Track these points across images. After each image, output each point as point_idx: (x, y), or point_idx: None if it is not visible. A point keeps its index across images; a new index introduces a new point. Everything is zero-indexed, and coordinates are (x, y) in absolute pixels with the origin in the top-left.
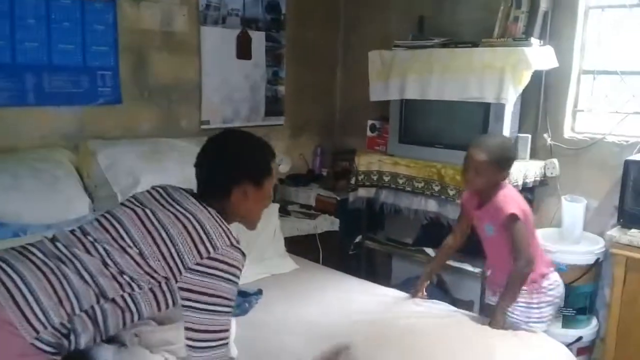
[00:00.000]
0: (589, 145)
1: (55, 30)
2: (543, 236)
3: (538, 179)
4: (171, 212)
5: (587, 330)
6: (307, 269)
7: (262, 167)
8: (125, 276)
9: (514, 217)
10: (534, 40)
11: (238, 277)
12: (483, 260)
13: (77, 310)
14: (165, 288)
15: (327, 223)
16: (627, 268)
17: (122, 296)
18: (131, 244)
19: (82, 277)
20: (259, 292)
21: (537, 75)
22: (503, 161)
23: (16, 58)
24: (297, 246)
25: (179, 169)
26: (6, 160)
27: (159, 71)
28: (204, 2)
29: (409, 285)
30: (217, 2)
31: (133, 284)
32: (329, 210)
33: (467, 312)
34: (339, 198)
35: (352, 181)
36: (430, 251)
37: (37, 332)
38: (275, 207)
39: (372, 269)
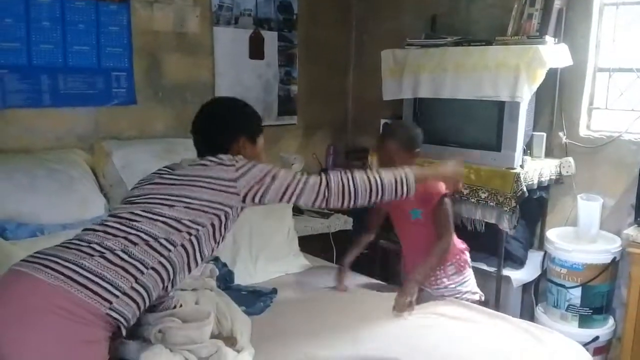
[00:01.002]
0: (605, 144)
1: (70, 32)
2: (559, 235)
3: (553, 177)
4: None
5: (603, 330)
6: (321, 268)
7: (255, 125)
8: (185, 221)
9: (443, 197)
10: (548, 38)
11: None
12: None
13: (145, 270)
14: (223, 218)
15: (341, 222)
16: None
17: (190, 239)
18: (179, 198)
19: (143, 240)
20: (274, 291)
21: (551, 73)
22: (411, 144)
23: (32, 60)
24: (311, 245)
25: None
26: (23, 160)
27: (172, 72)
28: (217, 2)
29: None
30: (230, 3)
31: (195, 225)
32: (342, 210)
33: (478, 307)
34: None
35: None
36: None
37: (110, 302)
38: (289, 207)
39: (386, 268)
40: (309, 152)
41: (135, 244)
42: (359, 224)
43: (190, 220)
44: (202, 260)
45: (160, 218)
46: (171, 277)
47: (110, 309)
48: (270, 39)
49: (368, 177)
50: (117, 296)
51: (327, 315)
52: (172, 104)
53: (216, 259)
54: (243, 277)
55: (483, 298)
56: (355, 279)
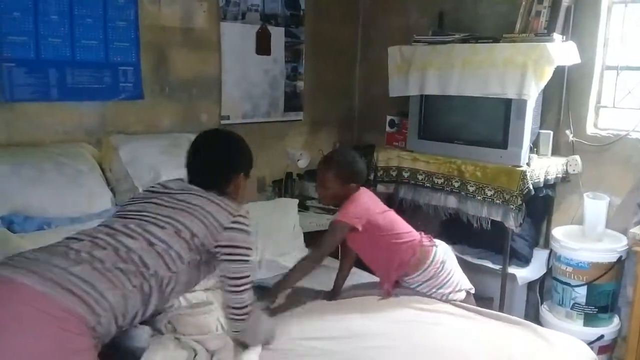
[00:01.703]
0: (612, 142)
1: (78, 26)
2: (564, 233)
3: (560, 175)
4: (192, 195)
5: (609, 329)
6: (326, 264)
7: (251, 161)
8: (171, 251)
9: (335, 222)
10: (556, 36)
11: (250, 227)
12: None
13: (130, 287)
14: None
15: None
16: None
17: (168, 269)
18: (171, 223)
19: (128, 258)
20: None
21: (559, 71)
22: (347, 176)
23: (40, 54)
24: (316, 241)
25: None
26: (31, 154)
27: (179, 67)
28: None
29: None
30: None
31: (178, 260)
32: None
33: (483, 309)
34: None
35: (371, 177)
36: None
37: (99, 316)
38: (294, 203)
39: None
40: (315, 148)
41: (124, 261)
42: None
43: (177, 253)
44: (172, 294)
45: (154, 240)
46: (147, 304)
47: (98, 323)
48: (277, 34)
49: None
50: (106, 311)
51: (331, 311)
52: (178, 99)
53: None
54: None
55: (473, 290)
56: (359, 274)
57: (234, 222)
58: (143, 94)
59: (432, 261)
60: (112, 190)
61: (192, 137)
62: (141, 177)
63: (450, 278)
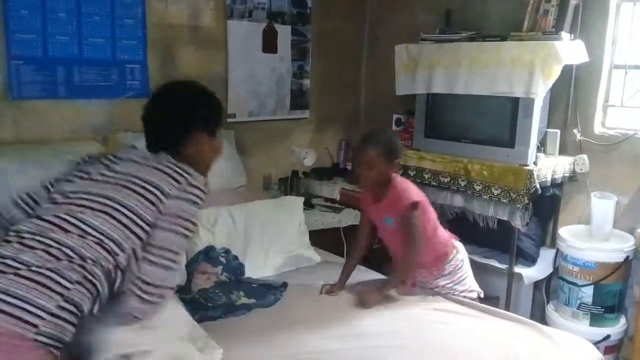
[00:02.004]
0: (620, 141)
1: (86, 24)
2: (571, 233)
3: (567, 175)
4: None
5: (615, 329)
6: (332, 262)
7: (216, 116)
8: (108, 241)
9: (414, 205)
10: (564, 34)
11: (203, 201)
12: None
13: (70, 285)
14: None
15: (352, 217)
16: None
17: (110, 259)
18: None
19: (61, 254)
20: (284, 284)
21: (567, 70)
22: (391, 153)
23: (47, 51)
24: (322, 240)
25: None
26: (37, 151)
27: (186, 65)
28: None
29: None
30: None
31: (118, 249)
32: (353, 204)
33: (490, 307)
34: None
35: None
36: None
37: (36, 326)
38: (300, 201)
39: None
40: (321, 146)
41: (57, 259)
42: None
43: (115, 242)
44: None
45: (87, 229)
46: (100, 291)
47: (37, 333)
48: (284, 32)
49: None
50: (43, 318)
51: (337, 310)
52: None
53: (227, 252)
54: (254, 270)
55: (482, 295)
56: (366, 275)
57: (181, 190)
58: (150, 91)
59: (454, 256)
60: None
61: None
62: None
63: (467, 277)
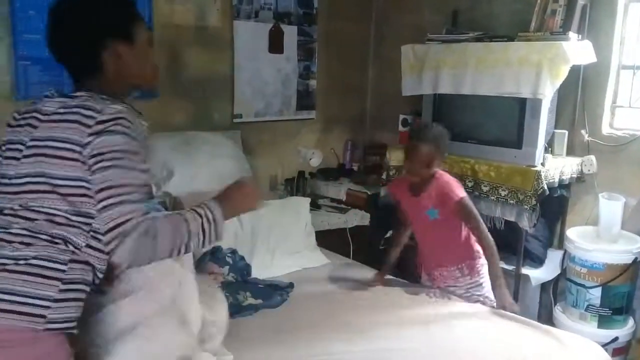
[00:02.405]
0: (628, 142)
1: None
2: (579, 234)
3: (575, 176)
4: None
5: (623, 331)
6: (338, 263)
7: (125, 16)
8: (71, 215)
9: (464, 200)
10: (572, 35)
11: (129, 128)
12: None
13: (64, 267)
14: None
15: (358, 218)
16: None
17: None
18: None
19: (41, 240)
20: (291, 285)
21: (574, 70)
22: (444, 149)
23: None
24: (328, 240)
25: (210, 161)
26: None
27: (192, 65)
28: None
29: None
30: None
31: (85, 218)
32: (360, 205)
33: (496, 309)
34: (369, 193)
35: (383, 176)
36: None
37: (44, 317)
38: (306, 201)
39: (403, 265)
40: (327, 146)
41: (40, 246)
42: (394, 223)
43: (77, 214)
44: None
45: (51, 211)
46: (95, 265)
47: (47, 322)
48: (290, 33)
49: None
50: (48, 307)
51: (344, 311)
52: (191, 98)
53: (234, 252)
54: (260, 271)
55: (495, 305)
56: (371, 275)
57: (97, 123)
58: (157, 92)
59: (481, 259)
60: None
61: (204, 135)
62: (154, 175)
63: (487, 281)
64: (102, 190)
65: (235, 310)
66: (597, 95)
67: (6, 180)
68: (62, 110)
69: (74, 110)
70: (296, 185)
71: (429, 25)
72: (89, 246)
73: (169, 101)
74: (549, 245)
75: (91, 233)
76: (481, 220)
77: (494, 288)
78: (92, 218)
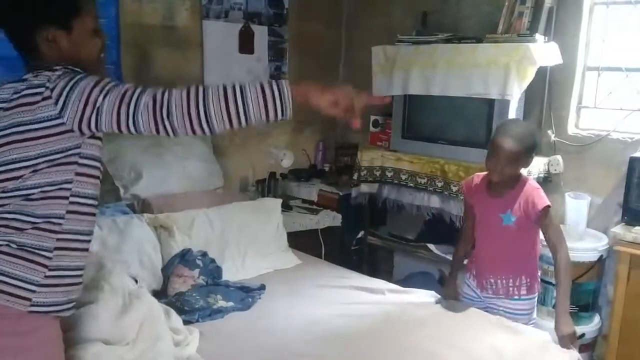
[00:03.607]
0: (593, 142)
1: None
2: None
3: (542, 175)
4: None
5: (589, 327)
6: (310, 264)
7: (65, 6)
8: (47, 186)
9: (549, 209)
10: (538, 37)
11: (76, 70)
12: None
13: (50, 254)
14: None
15: (329, 218)
16: (631, 265)
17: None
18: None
19: (28, 223)
20: (262, 287)
21: (541, 72)
22: (532, 149)
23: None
24: (300, 241)
25: (180, 163)
26: None
27: (161, 66)
28: None
29: (411, 281)
30: None
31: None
32: (331, 206)
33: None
34: (341, 193)
35: (355, 177)
36: (432, 247)
37: (29, 299)
38: (277, 203)
39: (374, 265)
40: (299, 147)
41: (22, 230)
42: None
43: (50, 185)
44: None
45: (25, 192)
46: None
47: (32, 305)
48: (260, 33)
49: (224, 88)
50: (33, 291)
51: (316, 312)
52: None
53: (204, 255)
54: (231, 273)
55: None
56: (343, 275)
57: (53, 95)
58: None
59: (539, 284)
60: None
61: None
62: (122, 177)
63: (535, 311)
64: (85, 105)
65: (206, 313)
66: (563, 96)
67: None
68: (15, 96)
69: (26, 92)
70: (267, 186)
71: (399, 27)
72: (70, 212)
73: None
74: None
75: (70, 199)
76: (564, 236)
77: (557, 312)
78: (71, 183)
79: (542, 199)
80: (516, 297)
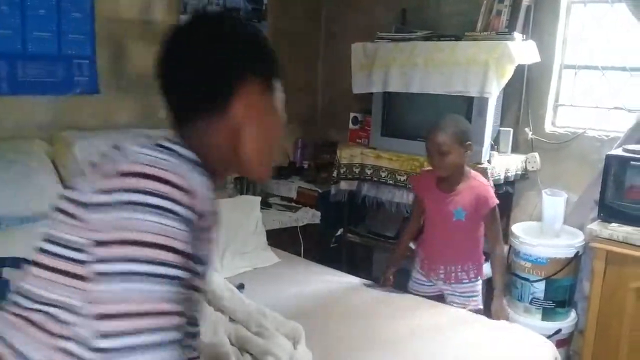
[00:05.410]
0: (570, 140)
1: (30, 17)
2: (523, 230)
3: (519, 172)
4: None
5: (565, 323)
6: (289, 262)
7: (270, 58)
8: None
9: (496, 207)
10: (516, 35)
11: (175, 202)
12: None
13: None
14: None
15: (309, 216)
16: (607, 262)
17: None
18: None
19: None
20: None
21: (519, 70)
22: (461, 137)
23: None
24: (279, 239)
25: None
26: None
27: (137, 61)
28: None
29: None
30: None
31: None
32: (311, 203)
33: (445, 304)
34: (320, 191)
35: (334, 174)
36: (411, 244)
37: None
38: (256, 200)
39: (354, 262)
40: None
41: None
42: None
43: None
44: None
45: None
46: None
47: None
48: None
49: None
50: None
51: (295, 310)
52: (136, 94)
53: None
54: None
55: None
56: (322, 273)
57: (107, 188)
58: (99, 88)
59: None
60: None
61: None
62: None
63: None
64: (110, 317)
65: None
66: (540, 94)
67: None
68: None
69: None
70: (246, 183)
71: (379, 24)
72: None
73: (112, 98)
74: None
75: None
76: (501, 230)
77: (494, 295)
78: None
79: (494, 198)
80: (465, 280)
